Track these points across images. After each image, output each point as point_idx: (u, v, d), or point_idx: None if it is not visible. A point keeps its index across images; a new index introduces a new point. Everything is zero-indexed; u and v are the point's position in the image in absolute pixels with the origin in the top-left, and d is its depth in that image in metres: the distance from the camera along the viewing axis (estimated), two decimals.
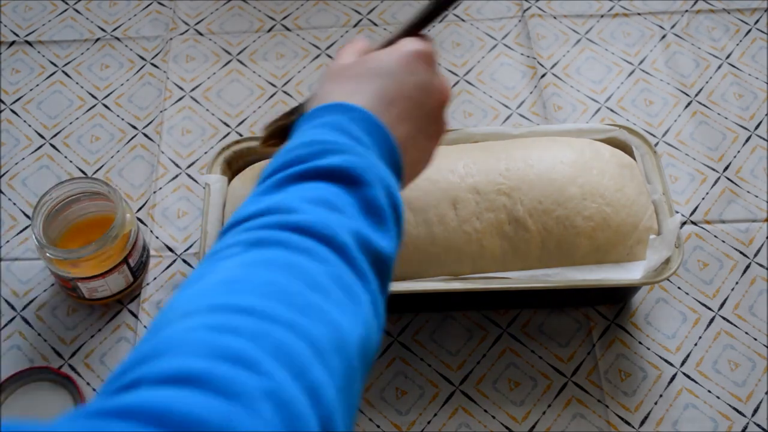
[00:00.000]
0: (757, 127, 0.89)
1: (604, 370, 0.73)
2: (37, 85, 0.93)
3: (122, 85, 0.93)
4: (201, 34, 0.98)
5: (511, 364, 0.74)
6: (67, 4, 1.01)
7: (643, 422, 0.70)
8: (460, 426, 0.70)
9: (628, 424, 0.70)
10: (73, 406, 0.70)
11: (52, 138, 0.89)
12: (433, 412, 0.71)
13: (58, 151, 0.88)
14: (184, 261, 0.80)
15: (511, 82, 0.93)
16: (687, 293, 0.78)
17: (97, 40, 0.97)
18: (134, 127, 0.90)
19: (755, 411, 0.71)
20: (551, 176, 0.69)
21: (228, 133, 0.89)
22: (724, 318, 0.76)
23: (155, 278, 0.79)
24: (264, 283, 0.37)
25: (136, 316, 0.76)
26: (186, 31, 0.98)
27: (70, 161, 0.87)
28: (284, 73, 0.94)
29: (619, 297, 0.76)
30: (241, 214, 0.41)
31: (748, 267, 0.79)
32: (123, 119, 0.90)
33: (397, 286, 0.67)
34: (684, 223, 0.82)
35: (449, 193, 0.69)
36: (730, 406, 0.71)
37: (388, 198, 0.45)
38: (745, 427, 0.70)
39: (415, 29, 0.56)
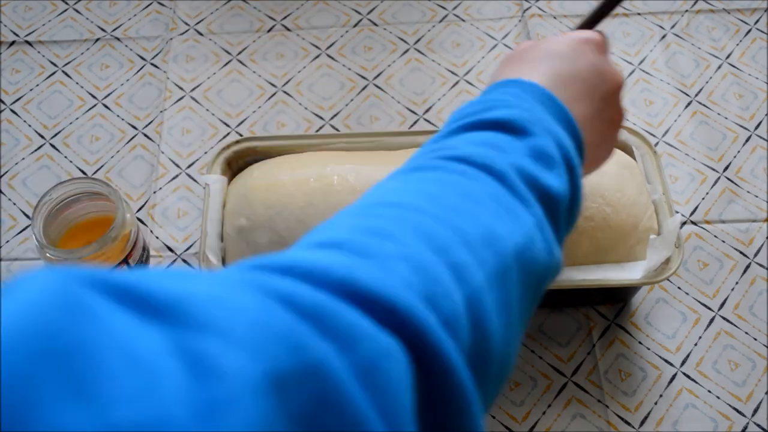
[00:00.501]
0: (757, 127, 0.89)
1: (604, 370, 0.73)
2: (37, 85, 0.93)
3: (122, 85, 0.93)
4: (201, 34, 0.98)
5: None
6: (67, 4, 1.01)
7: (643, 422, 0.70)
8: None
9: (628, 424, 0.70)
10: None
11: (52, 138, 0.89)
12: None
13: (58, 151, 0.88)
14: (184, 261, 0.80)
15: None
16: (687, 293, 0.78)
17: (97, 40, 0.97)
18: (134, 127, 0.90)
19: (755, 411, 0.71)
20: None
21: (228, 133, 0.89)
22: (724, 318, 0.76)
23: None
24: (416, 190, 0.38)
25: None
26: (186, 31, 0.98)
27: (70, 161, 0.87)
28: (284, 73, 0.94)
29: (619, 297, 0.76)
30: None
31: (748, 267, 0.79)
32: (123, 119, 0.90)
33: None
34: (684, 223, 0.82)
35: None
36: (730, 406, 0.71)
37: (558, 149, 0.44)
38: (745, 427, 0.70)
39: (587, 26, 0.58)
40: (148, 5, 1.00)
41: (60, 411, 0.20)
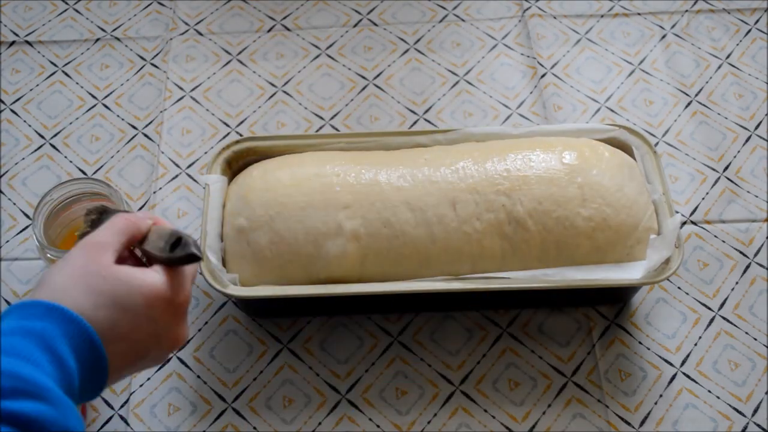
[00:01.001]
0: (757, 127, 0.89)
1: (604, 370, 0.73)
2: (37, 85, 0.93)
3: (122, 85, 0.93)
4: (201, 34, 0.98)
5: (511, 364, 0.74)
6: (67, 4, 1.01)
7: (643, 422, 0.70)
8: (460, 426, 0.70)
9: (628, 424, 0.70)
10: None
11: (52, 138, 0.89)
12: (433, 412, 0.71)
13: (58, 151, 0.88)
14: None
15: (511, 82, 0.93)
16: (687, 293, 0.78)
17: (97, 40, 0.97)
18: (134, 127, 0.90)
19: (755, 411, 0.71)
20: (551, 176, 0.69)
21: (228, 133, 0.89)
22: (724, 318, 0.76)
23: None
24: None
25: None
26: (186, 31, 0.98)
27: (70, 161, 0.87)
28: (284, 73, 0.94)
29: (619, 297, 0.76)
30: None
31: (748, 267, 0.79)
32: (123, 119, 0.90)
33: (397, 286, 0.68)
34: (684, 223, 0.82)
35: (449, 194, 0.69)
36: (730, 406, 0.71)
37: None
38: (745, 427, 0.70)
39: (177, 262, 0.52)
40: (148, 5, 1.00)
41: None
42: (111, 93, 0.93)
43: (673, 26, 0.98)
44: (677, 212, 0.72)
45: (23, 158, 0.87)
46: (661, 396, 0.72)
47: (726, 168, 0.86)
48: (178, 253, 0.51)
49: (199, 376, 0.73)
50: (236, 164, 0.76)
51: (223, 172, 0.75)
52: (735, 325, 0.76)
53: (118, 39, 0.97)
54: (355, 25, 0.98)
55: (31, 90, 0.93)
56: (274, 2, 1.01)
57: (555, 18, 0.99)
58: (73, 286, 0.49)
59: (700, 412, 0.71)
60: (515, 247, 0.68)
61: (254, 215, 0.69)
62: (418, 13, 0.99)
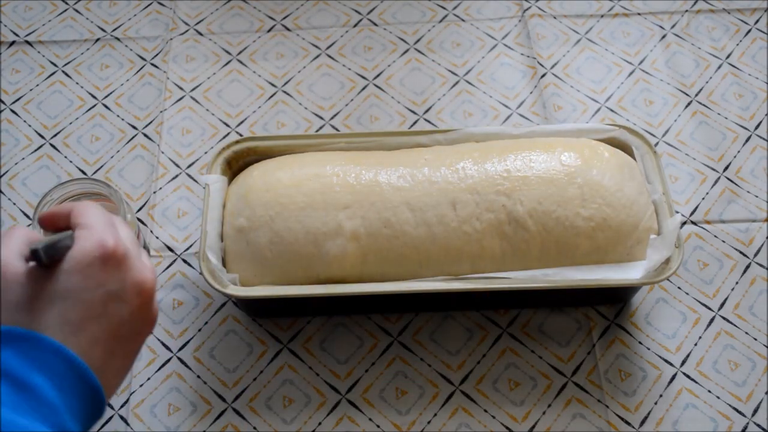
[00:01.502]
0: (757, 127, 0.89)
1: (604, 370, 0.73)
2: (37, 85, 0.93)
3: (122, 85, 0.93)
4: (201, 34, 0.98)
5: (511, 364, 0.74)
6: (67, 4, 1.01)
7: (643, 422, 0.70)
8: (460, 426, 0.70)
9: (628, 424, 0.70)
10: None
11: (52, 138, 0.89)
12: (433, 412, 0.71)
13: (58, 151, 0.88)
14: (184, 261, 0.80)
15: (511, 82, 0.93)
16: (687, 293, 0.78)
17: (97, 40, 0.97)
18: (134, 127, 0.90)
19: (755, 411, 0.71)
20: (551, 176, 0.69)
21: (228, 133, 0.89)
22: (724, 318, 0.76)
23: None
24: None
25: None
26: (186, 31, 0.98)
27: (70, 161, 0.87)
28: (284, 73, 0.94)
29: (619, 297, 0.76)
30: None
31: (748, 267, 0.79)
32: (123, 119, 0.90)
33: (397, 286, 0.68)
34: (684, 223, 0.82)
35: (449, 194, 0.69)
36: (730, 406, 0.71)
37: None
38: (745, 427, 0.70)
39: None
40: (148, 5, 1.00)
41: None
42: (111, 93, 0.93)
43: (673, 26, 0.98)
44: (677, 212, 0.72)
45: (23, 158, 0.87)
46: (661, 396, 0.72)
47: (726, 168, 0.86)
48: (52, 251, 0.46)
49: (199, 376, 0.73)
50: (236, 164, 0.76)
51: (223, 172, 0.75)
52: (735, 325, 0.76)
53: (118, 39, 0.97)
54: (355, 25, 0.98)
55: (31, 90, 0.93)
56: (274, 2, 1.01)
57: (555, 18, 0.99)
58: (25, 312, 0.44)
59: (700, 412, 0.71)
60: (515, 247, 0.68)
61: (254, 215, 0.69)
62: (418, 13, 0.99)
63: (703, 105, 0.91)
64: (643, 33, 0.97)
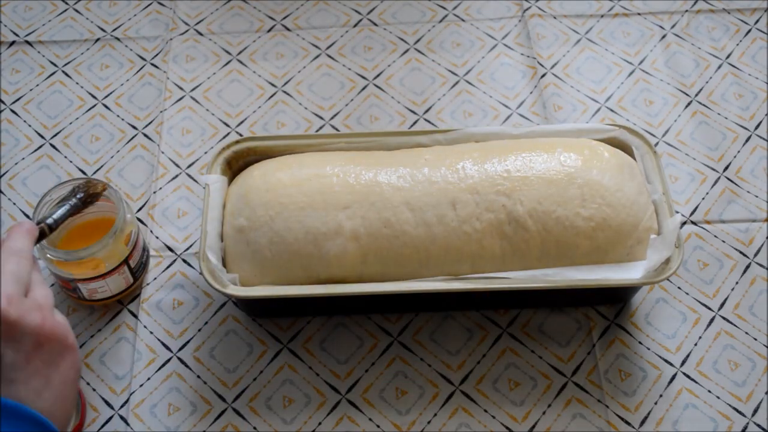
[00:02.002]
0: (757, 127, 0.89)
1: (604, 370, 0.73)
2: (37, 85, 0.93)
3: (122, 85, 0.93)
4: (201, 34, 0.98)
5: (511, 364, 0.74)
6: (67, 4, 1.01)
7: (643, 422, 0.71)
8: (460, 426, 0.70)
9: (628, 424, 0.70)
10: (73, 407, 0.70)
11: (52, 138, 0.89)
12: (433, 412, 0.71)
13: (58, 151, 0.88)
14: (185, 261, 0.80)
15: (511, 82, 0.93)
16: (687, 293, 0.78)
17: (97, 40, 0.97)
18: (134, 127, 0.90)
19: (755, 411, 0.71)
20: (551, 176, 0.69)
21: (228, 133, 0.89)
22: (724, 318, 0.76)
23: (155, 278, 0.79)
24: None
25: (136, 317, 0.76)
26: (186, 31, 0.98)
27: (70, 161, 0.87)
28: (284, 73, 0.94)
29: (619, 297, 0.76)
30: None
31: (748, 267, 0.79)
32: (123, 119, 0.90)
33: (397, 286, 0.68)
34: (684, 223, 0.82)
35: (449, 194, 0.69)
36: (730, 406, 0.71)
37: None
38: (745, 427, 0.70)
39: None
40: (148, 5, 1.00)
41: None
42: (111, 93, 0.93)
43: (673, 26, 0.98)
44: (677, 212, 0.72)
45: (23, 158, 0.87)
46: (661, 396, 0.72)
47: (726, 168, 0.86)
48: None
49: (199, 376, 0.73)
50: (236, 164, 0.76)
51: (223, 172, 0.75)
52: (735, 325, 0.76)
53: (118, 39, 0.97)
54: (355, 25, 0.98)
55: (31, 90, 0.93)
56: (274, 2, 1.01)
57: (555, 18, 0.99)
58: None
59: (700, 412, 0.71)
60: (515, 247, 0.68)
61: (254, 215, 0.69)
62: (418, 13, 0.99)
63: (703, 105, 0.91)
64: (643, 33, 0.97)
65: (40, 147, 0.88)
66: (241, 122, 0.90)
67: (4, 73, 0.94)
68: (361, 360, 0.74)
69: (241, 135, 0.89)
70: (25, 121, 0.90)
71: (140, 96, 0.92)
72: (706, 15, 0.99)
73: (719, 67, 0.94)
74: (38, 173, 0.86)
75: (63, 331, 0.54)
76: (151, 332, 0.76)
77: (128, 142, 0.88)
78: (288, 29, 0.98)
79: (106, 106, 0.91)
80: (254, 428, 0.70)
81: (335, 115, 0.90)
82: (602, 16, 0.99)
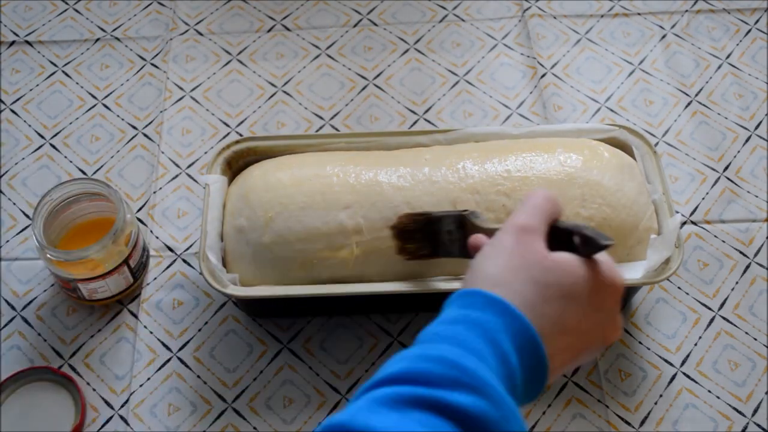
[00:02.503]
0: (757, 127, 0.89)
1: (604, 370, 0.73)
2: (37, 85, 0.93)
3: (122, 85, 0.93)
4: (201, 34, 0.98)
5: None
6: (67, 4, 1.01)
7: (643, 422, 0.70)
8: None
9: (628, 424, 0.70)
10: (73, 406, 0.70)
11: (52, 138, 0.89)
12: None
13: (58, 151, 0.88)
14: (184, 261, 0.80)
15: (511, 82, 0.93)
16: (687, 293, 0.78)
17: (97, 40, 0.97)
18: (134, 127, 0.90)
19: (755, 411, 0.71)
20: (551, 177, 0.69)
21: (228, 133, 0.89)
22: (724, 318, 0.76)
23: (155, 278, 0.79)
24: None
25: (136, 317, 0.76)
26: (186, 31, 0.98)
27: (70, 161, 0.87)
28: (284, 73, 0.94)
29: None
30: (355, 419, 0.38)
31: (748, 267, 0.79)
32: (123, 119, 0.90)
33: (397, 286, 0.68)
34: (684, 223, 0.82)
35: (449, 194, 0.69)
36: (730, 406, 0.71)
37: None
38: (745, 427, 0.70)
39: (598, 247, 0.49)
40: (148, 5, 1.00)
41: None
42: (111, 93, 0.93)
43: (673, 26, 0.98)
44: (677, 212, 0.72)
45: (23, 158, 0.87)
46: (661, 396, 0.72)
47: (726, 168, 0.86)
48: (593, 246, 0.48)
49: (199, 376, 0.73)
50: (236, 164, 0.76)
51: (223, 172, 0.75)
52: (735, 325, 0.76)
53: (118, 39, 0.97)
54: (355, 25, 0.98)
55: (31, 90, 0.93)
56: (274, 2, 1.01)
57: (555, 18, 0.99)
58: (514, 279, 0.46)
59: (700, 412, 0.71)
60: None
61: (254, 215, 0.69)
62: (418, 13, 0.99)
63: (703, 105, 0.91)
64: (643, 33, 0.97)
65: (40, 147, 0.88)
66: (241, 122, 0.90)
67: (4, 73, 0.94)
68: (361, 360, 0.74)
69: (241, 135, 0.89)
70: (25, 121, 0.90)
71: (140, 96, 0.92)
72: (706, 15, 0.99)
73: (719, 67, 0.94)
74: (38, 173, 0.86)
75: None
76: (151, 332, 0.76)
77: (128, 142, 0.88)
78: (288, 29, 0.98)
79: (106, 106, 0.91)
80: (254, 428, 0.70)
81: (335, 115, 0.90)
82: (602, 16, 0.99)
